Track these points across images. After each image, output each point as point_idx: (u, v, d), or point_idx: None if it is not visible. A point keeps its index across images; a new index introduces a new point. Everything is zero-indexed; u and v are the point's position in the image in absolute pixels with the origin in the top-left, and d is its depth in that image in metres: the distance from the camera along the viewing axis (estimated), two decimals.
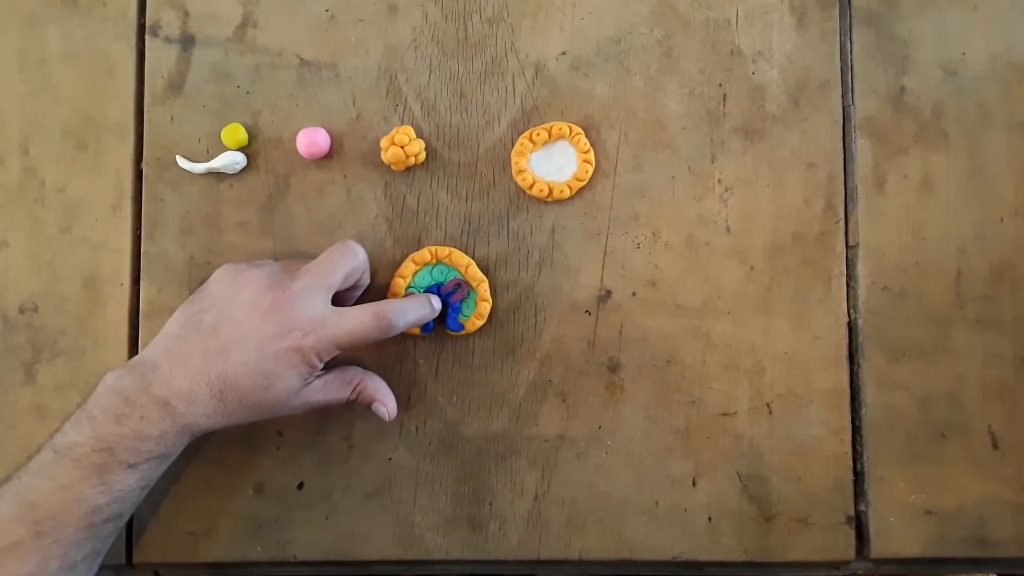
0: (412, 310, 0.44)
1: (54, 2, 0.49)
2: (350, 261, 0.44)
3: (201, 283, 0.45)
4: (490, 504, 0.47)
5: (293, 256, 0.48)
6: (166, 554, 0.47)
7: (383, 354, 0.48)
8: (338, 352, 0.42)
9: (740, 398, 0.48)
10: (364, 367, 0.46)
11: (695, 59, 0.49)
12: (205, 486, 0.47)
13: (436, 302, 0.46)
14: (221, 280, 0.43)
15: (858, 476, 0.48)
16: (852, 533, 0.47)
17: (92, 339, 0.48)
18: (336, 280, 0.43)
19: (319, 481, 0.47)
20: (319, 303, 0.42)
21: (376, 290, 0.48)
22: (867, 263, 0.48)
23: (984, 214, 0.49)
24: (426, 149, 0.48)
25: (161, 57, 0.49)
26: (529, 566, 0.48)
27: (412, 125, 0.48)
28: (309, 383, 0.43)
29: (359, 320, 0.42)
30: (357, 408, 0.47)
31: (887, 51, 0.50)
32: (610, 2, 0.49)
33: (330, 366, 0.44)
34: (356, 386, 0.45)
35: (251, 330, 0.41)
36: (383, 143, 0.47)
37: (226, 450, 0.47)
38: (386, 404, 0.45)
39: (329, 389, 0.44)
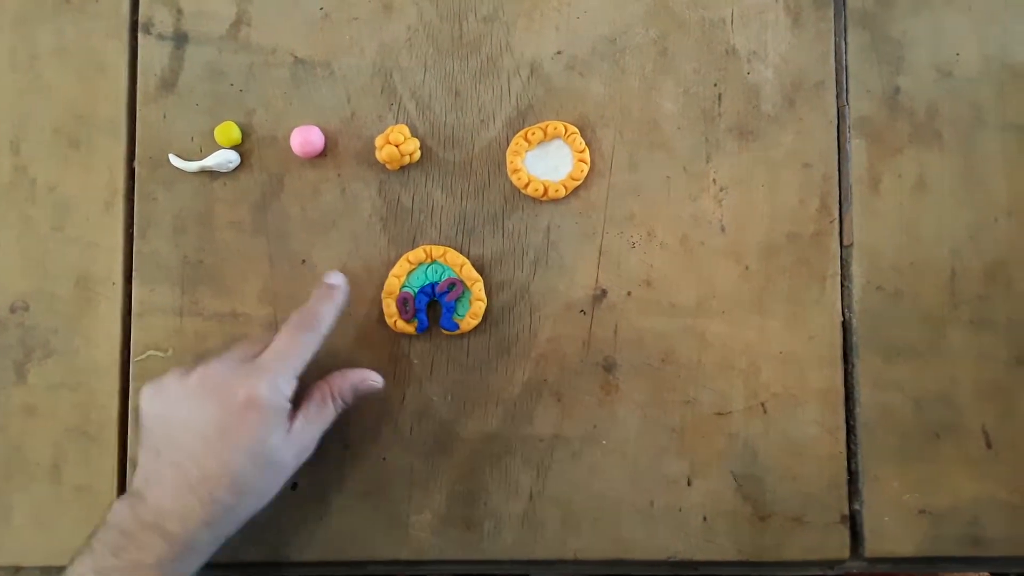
0: (320, 303, 0.43)
1: None
2: (262, 337, 0.43)
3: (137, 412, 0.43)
4: (485, 504, 0.47)
5: (287, 255, 0.48)
6: None
7: (377, 354, 0.48)
8: (295, 379, 0.41)
9: (735, 398, 0.48)
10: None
11: (690, 59, 0.49)
12: None
13: (334, 278, 0.44)
14: (146, 398, 0.42)
15: (852, 475, 0.48)
16: (846, 532, 0.47)
17: (84, 338, 0.47)
18: (252, 347, 0.42)
19: (313, 481, 0.47)
20: (241, 361, 0.41)
21: (371, 290, 0.48)
22: (861, 263, 0.49)
23: (978, 215, 0.49)
24: (421, 148, 0.48)
25: (154, 55, 0.49)
26: (524, 566, 0.47)
27: (407, 124, 0.48)
28: (291, 428, 0.41)
29: (286, 339, 0.41)
30: (351, 406, 0.47)
31: (882, 52, 0.50)
32: (605, 1, 0.49)
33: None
34: (334, 395, 0.43)
35: (199, 420, 0.39)
36: (378, 142, 0.47)
37: None
38: (369, 379, 0.44)
39: (314, 418, 0.42)
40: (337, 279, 0.45)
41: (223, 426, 0.39)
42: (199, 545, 0.40)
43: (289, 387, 0.41)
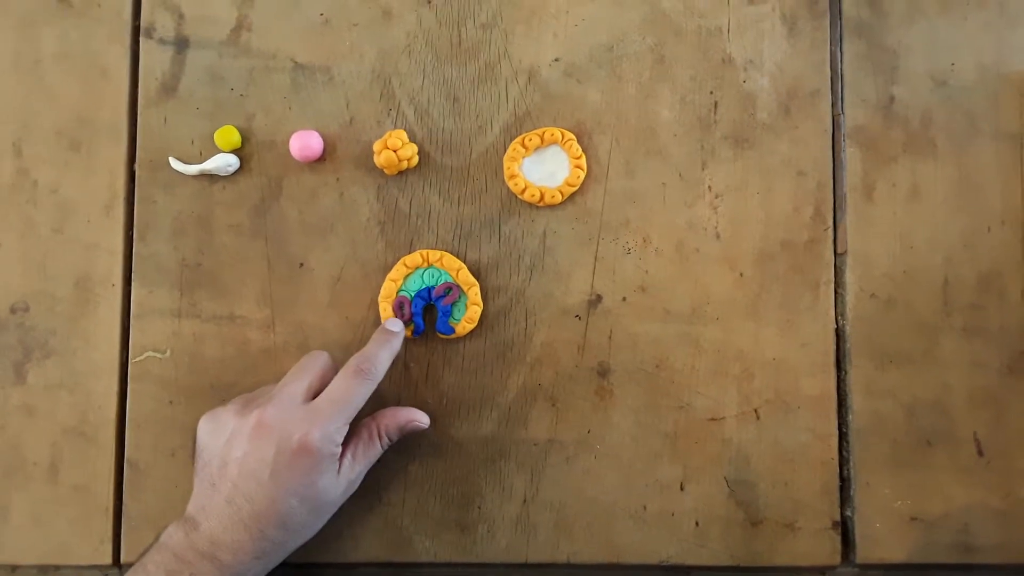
0: (380, 348, 0.44)
1: (49, 3, 0.49)
2: (318, 364, 0.44)
3: (194, 441, 0.44)
4: (479, 507, 0.48)
5: (285, 258, 0.48)
6: None
7: None
8: (347, 426, 0.42)
9: (728, 403, 0.48)
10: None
11: (687, 67, 0.49)
12: None
13: (394, 325, 0.46)
14: (204, 430, 0.43)
15: (844, 482, 0.48)
16: (838, 538, 0.47)
17: (83, 340, 0.48)
18: (310, 381, 0.43)
19: None
20: (299, 402, 0.42)
21: (368, 293, 0.48)
22: (855, 271, 0.49)
23: (971, 223, 0.49)
24: (419, 153, 0.49)
25: (155, 59, 0.49)
26: (517, 569, 0.48)
27: (405, 129, 0.49)
28: (340, 468, 0.42)
29: (343, 386, 0.42)
30: None
31: (877, 61, 0.50)
32: (603, 9, 0.50)
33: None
34: (380, 434, 0.44)
35: (254, 460, 0.40)
36: (376, 147, 0.48)
37: None
38: (416, 419, 0.45)
39: (360, 457, 0.43)
40: (397, 326, 0.46)
41: (276, 469, 0.40)
42: (248, 574, 0.41)
43: (341, 434, 0.42)
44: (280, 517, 0.41)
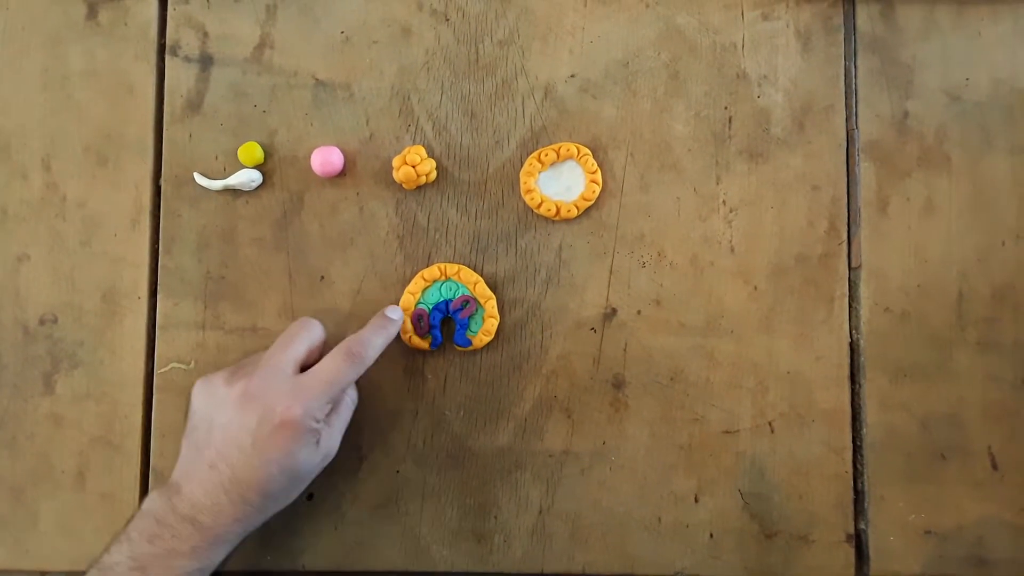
0: (376, 334, 0.45)
1: (77, 22, 0.51)
2: (309, 335, 0.44)
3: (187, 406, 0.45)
4: (495, 517, 0.48)
5: (306, 271, 0.49)
6: None
7: (391, 369, 0.49)
8: (330, 405, 0.43)
9: (743, 416, 0.48)
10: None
11: (701, 82, 0.50)
12: None
13: (394, 313, 0.46)
14: (197, 395, 0.44)
15: (858, 495, 0.48)
16: (852, 551, 0.48)
17: (110, 351, 0.49)
18: (298, 352, 0.44)
19: (328, 492, 0.48)
20: (286, 374, 0.43)
21: (388, 306, 0.49)
22: (869, 284, 0.49)
23: (986, 237, 0.49)
24: (437, 168, 0.49)
25: (180, 76, 0.50)
26: None
27: (424, 145, 0.49)
28: (319, 439, 0.43)
29: (333, 367, 0.43)
30: (366, 419, 0.48)
31: (891, 76, 0.50)
32: (618, 26, 0.50)
33: None
34: (346, 388, 0.45)
35: (237, 428, 0.41)
36: (395, 162, 0.48)
37: None
38: (383, 330, 0.45)
39: (335, 422, 0.44)
40: (397, 314, 0.46)
41: (257, 439, 0.41)
42: (229, 537, 0.42)
43: (323, 412, 0.43)
44: (260, 484, 0.42)
